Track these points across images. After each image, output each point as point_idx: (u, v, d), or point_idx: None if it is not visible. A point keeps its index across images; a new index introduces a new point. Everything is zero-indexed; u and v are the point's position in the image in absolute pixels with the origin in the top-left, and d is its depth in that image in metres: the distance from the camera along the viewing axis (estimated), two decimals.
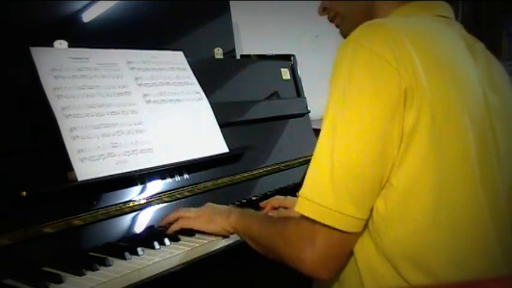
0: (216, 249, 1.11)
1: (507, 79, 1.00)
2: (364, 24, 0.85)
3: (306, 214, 0.83)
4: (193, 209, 1.18)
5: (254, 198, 1.45)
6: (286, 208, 1.33)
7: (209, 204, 1.20)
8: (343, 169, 0.80)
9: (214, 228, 1.11)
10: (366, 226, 0.85)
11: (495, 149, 0.89)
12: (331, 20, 1.06)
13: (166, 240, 1.10)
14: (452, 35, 0.93)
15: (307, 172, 0.84)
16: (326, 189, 0.80)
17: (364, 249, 0.87)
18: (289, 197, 1.38)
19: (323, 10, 1.06)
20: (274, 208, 1.36)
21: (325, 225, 0.81)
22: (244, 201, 1.42)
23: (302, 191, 0.84)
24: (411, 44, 0.81)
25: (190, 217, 1.15)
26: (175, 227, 1.14)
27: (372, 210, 0.83)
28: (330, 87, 0.84)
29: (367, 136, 0.79)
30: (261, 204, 1.38)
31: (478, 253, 0.84)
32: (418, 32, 0.86)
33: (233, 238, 1.13)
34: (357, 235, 0.85)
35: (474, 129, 0.85)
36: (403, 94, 0.78)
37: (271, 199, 1.38)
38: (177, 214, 1.17)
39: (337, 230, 0.81)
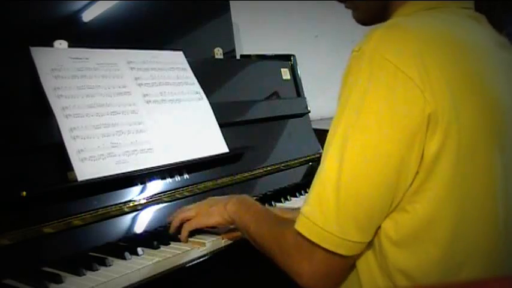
0: (216, 249, 1.11)
1: None
2: (384, 27, 0.75)
3: (307, 235, 0.77)
4: (192, 206, 1.15)
5: (254, 198, 1.45)
6: None
7: (209, 198, 1.17)
8: (351, 194, 0.74)
9: (215, 220, 1.08)
10: (371, 243, 0.79)
11: None
12: (342, 1, 0.94)
13: (167, 240, 1.10)
14: (481, 34, 0.83)
15: (311, 189, 0.78)
16: (330, 214, 0.74)
17: (368, 265, 0.82)
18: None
19: None
20: None
21: (324, 248, 0.76)
22: None
23: (304, 209, 0.78)
24: (439, 56, 0.72)
25: (192, 216, 1.13)
26: (184, 236, 1.11)
27: (378, 230, 0.78)
28: (341, 100, 0.76)
29: (381, 163, 0.72)
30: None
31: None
32: (446, 38, 0.76)
33: (233, 238, 1.13)
34: (358, 255, 0.80)
35: (503, 158, 0.77)
36: (426, 119, 0.70)
37: None
38: (179, 217, 1.14)
39: (335, 253, 0.76)
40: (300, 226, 0.78)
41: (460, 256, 0.78)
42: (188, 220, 1.13)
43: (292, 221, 0.82)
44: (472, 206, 0.77)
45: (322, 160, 0.79)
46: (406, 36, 0.74)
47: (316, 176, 0.79)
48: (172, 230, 1.14)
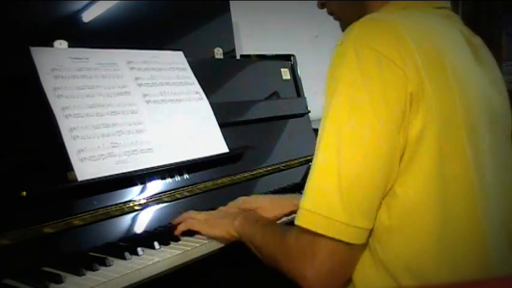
0: (216, 249, 1.11)
1: (501, 76, 0.96)
2: (362, 20, 0.80)
3: (310, 227, 0.77)
4: (203, 213, 1.17)
5: None
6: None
7: (221, 208, 1.20)
8: (352, 179, 0.75)
9: (218, 232, 1.09)
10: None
11: (491, 151, 0.85)
12: (331, 14, 1.02)
13: (167, 240, 1.10)
14: (452, 31, 0.89)
15: (309, 182, 0.79)
16: (333, 200, 0.75)
17: (361, 261, 0.83)
18: (254, 196, 1.32)
19: (321, 5, 1.02)
20: None
21: (329, 238, 0.76)
22: None
23: (304, 203, 0.78)
24: (413, 43, 0.76)
25: (198, 219, 1.14)
26: (181, 227, 1.14)
27: None
28: (330, 91, 0.79)
29: (378, 143, 0.75)
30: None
31: (476, 266, 0.81)
32: (418, 30, 0.80)
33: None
34: (360, 248, 0.81)
35: (473, 138, 0.81)
36: (409, 98, 0.74)
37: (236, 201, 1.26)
38: (186, 215, 1.17)
39: (342, 242, 0.76)
40: (302, 220, 0.79)
41: (450, 237, 0.79)
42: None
43: (292, 228, 0.83)
44: (455, 186, 0.79)
45: (316, 154, 0.80)
46: (382, 24, 0.79)
47: (312, 169, 0.79)
48: (175, 222, 1.16)
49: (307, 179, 0.80)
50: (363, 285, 0.83)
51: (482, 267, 0.81)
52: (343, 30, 0.98)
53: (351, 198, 0.75)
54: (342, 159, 0.75)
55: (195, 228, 1.13)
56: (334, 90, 0.78)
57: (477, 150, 0.82)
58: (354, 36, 0.78)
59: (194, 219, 1.15)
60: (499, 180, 0.86)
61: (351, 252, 0.79)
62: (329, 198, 0.76)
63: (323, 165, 0.78)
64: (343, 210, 0.75)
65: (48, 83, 1.13)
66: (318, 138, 0.80)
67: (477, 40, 0.94)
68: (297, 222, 0.80)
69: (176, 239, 1.12)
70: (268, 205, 1.24)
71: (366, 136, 0.75)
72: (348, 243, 0.77)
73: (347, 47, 0.78)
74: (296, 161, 1.69)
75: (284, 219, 1.24)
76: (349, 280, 0.85)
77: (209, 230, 1.11)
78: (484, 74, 0.90)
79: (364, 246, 0.81)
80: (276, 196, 1.37)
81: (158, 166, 1.22)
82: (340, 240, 0.76)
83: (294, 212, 0.93)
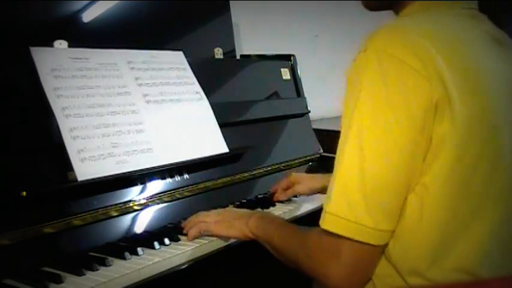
0: (215, 249, 1.11)
1: None
2: (384, 29, 0.81)
3: (337, 231, 0.79)
4: (212, 213, 1.16)
5: (254, 198, 1.45)
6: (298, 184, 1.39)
7: (229, 208, 1.20)
8: (376, 183, 0.77)
9: (234, 233, 1.09)
10: None
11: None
12: None
13: (166, 240, 1.10)
14: (477, 32, 0.88)
15: (332, 187, 0.80)
16: (359, 206, 0.77)
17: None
18: (296, 174, 1.42)
19: None
20: (285, 190, 1.40)
21: (352, 240, 0.78)
22: (244, 201, 1.42)
23: (329, 208, 0.80)
24: (438, 54, 0.77)
25: (210, 222, 1.12)
26: (194, 232, 1.12)
27: None
28: (353, 98, 0.80)
29: (399, 148, 0.76)
30: (271, 189, 1.43)
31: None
32: (441, 36, 0.81)
33: (234, 239, 1.13)
34: (382, 247, 0.82)
35: (497, 138, 0.81)
36: (434, 106, 0.75)
37: (280, 182, 1.42)
38: (197, 219, 1.15)
39: (367, 244, 0.78)
40: (327, 224, 0.80)
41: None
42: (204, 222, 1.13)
43: (314, 229, 0.85)
44: (482, 190, 0.80)
45: (338, 158, 0.81)
46: (406, 33, 0.79)
47: (335, 174, 0.81)
48: (184, 226, 1.15)
49: (331, 183, 0.81)
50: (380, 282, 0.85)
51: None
52: (364, 5, 0.97)
53: (375, 203, 0.77)
54: (365, 162, 0.77)
55: (210, 231, 1.12)
56: (356, 98, 0.79)
57: (502, 150, 0.82)
58: (377, 45, 0.79)
59: (206, 222, 1.13)
60: None
61: (375, 252, 0.81)
62: (354, 202, 0.78)
63: (346, 170, 0.79)
64: (368, 215, 0.77)
65: (48, 83, 1.13)
66: (340, 141, 0.81)
67: (507, 39, 0.93)
68: (322, 226, 0.81)
69: (176, 239, 1.12)
70: (304, 179, 1.40)
71: (387, 140, 0.77)
72: (372, 245, 0.79)
73: (370, 55, 0.79)
74: (296, 161, 1.69)
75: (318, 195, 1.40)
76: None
77: (224, 232, 1.10)
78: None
79: (385, 244, 0.83)
80: (310, 174, 1.49)
81: (158, 166, 1.22)
82: (365, 243, 0.78)
83: (325, 188, 0.98)
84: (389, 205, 0.78)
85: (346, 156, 0.79)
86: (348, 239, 0.78)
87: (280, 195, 1.41)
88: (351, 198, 0.78)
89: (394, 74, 0.76)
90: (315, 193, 1.41)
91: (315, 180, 1.40)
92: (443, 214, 0.79)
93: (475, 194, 0.80)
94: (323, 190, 1.34)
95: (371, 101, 0.78)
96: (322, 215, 0.81)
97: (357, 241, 0.78)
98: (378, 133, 0.77)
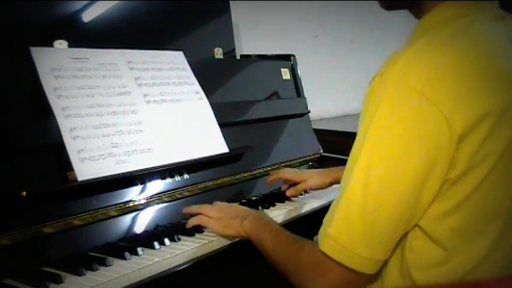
0: (216, 249, 1.11)
1: None
2: (409, 55, 0.75)
3: (334, 257, 0.79)
4: (215, 208, 1.17)
5: (254, 198, 1.45)
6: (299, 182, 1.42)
7: (232, 204, 1.21)
8: (376, 216, 0.76)
9: (230, 232, 1.11)
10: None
11: None
12: None
13: (166, 240, 1.10)
14: (506, 35, 0.83)
15: (336, 210, 0.80)
16: (357, 236, 0.77)
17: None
18: (303, 170, 1.46)
19: None
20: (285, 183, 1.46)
21: (345, 266, 0.79)
22: (244, 201, 1.42)
23: (330, 231, 0.80)
24: (470, 73, 0.74)
25: (211, 217, 1.15)
26: (194, 221, 1.16)
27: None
28: (364, 123, 0.78)
29: (405, 186, 0.75)
30: (269, 179, 1.46)
31: None
32: (477, 56, 0.76)
33: (233, 239, 1.13)
34: (371, 275, 0.82)
35: None
36: (455, 141, 0.73)
37: (280, 171, 1.48)
38: (200, 210, 1.17)
39: (358, 272, 0.79)
40: (326, 248, 0.80)
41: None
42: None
43: (307, 242, 0.87)
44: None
45: (346, 177, 0.80)
46: (433, 62, 0.74)
47: (340, 194, 0.81)
48: (185, 211, 1.20)
49: (335, 203, 0.82)
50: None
51: None
52: (381, 5, 0.92)
53: (374, 233, 0.77)
54: (368, 197, 0.76)
55: (209, 226, 1.14)
56: (369, 123, 0.77)
57: None
58: (397, 72, 0.74)
59: (207, 216, 1.15)
60: None
61: (363, 278, 0.82)
62: (354, 232, 0.78)
63: (352, 195, 0.78)
64: (366, 246, 0.77)
65: (48, 83, 1.13)
66: (351, 159, 0.80)
67: None
68: (321, 248, 0.81)
69: (176, 239, 1.12)
70: (314, 175, 1.43)
71: (394, 177, 0.75)
72: (363, 273, 0.80)
73: (388, 83, 0.75)
74: (296, 161, 1.69)
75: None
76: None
77: (221, 230, 1.12)
78: None
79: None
80: (319, 169, 1.51)
81: (158, 166, 1.22)
82: (356, 271, 0.79)
83: (333, 183, 1.29)
84: (387, 238, 0.79)
85: (353, 180, 0.78)
86: (342, 264, 0.79)
87: (290, 191, 1.43)
88: (351, 226, 0.78)
89: (412, 108, 0.73)
90: (323, 188, 1.44)
91: (324, 175, 1.43)
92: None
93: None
94: (332, 184, 1.42)
95: (382, 133, 0.76)
96: (322, 236, 0.82)
97: (349, 267, 0.79)
98: (384, 168, 0.76)
